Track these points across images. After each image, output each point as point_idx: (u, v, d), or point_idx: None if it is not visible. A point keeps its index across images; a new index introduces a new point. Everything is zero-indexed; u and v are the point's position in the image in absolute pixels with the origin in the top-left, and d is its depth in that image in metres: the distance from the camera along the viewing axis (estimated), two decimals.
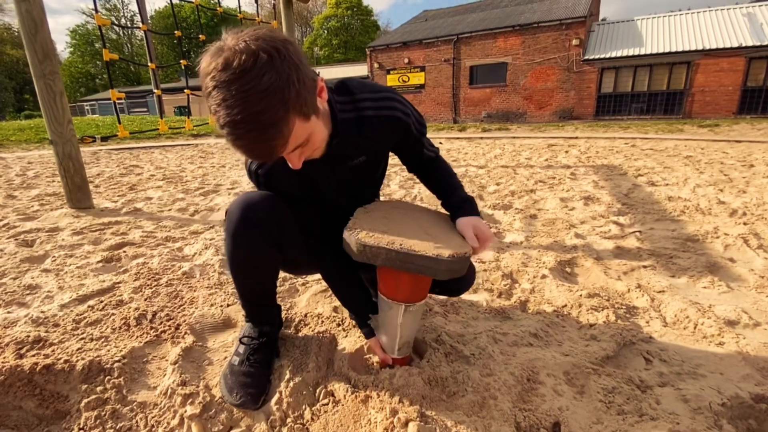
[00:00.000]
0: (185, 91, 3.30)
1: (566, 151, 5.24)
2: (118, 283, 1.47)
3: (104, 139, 2.87)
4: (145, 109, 28.32)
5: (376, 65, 18.35)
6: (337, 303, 1.27)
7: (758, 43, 12.30)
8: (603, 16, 19.41)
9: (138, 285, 1.44)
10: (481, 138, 7.49)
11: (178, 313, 1.24)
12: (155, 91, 3.21)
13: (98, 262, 1.68)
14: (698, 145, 5.31)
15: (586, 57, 14.46)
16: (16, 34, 40.30)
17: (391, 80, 18.16)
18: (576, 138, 6.74)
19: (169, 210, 2.64)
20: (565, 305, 1.28)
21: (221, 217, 2.44)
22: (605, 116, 14.56)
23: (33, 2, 2.29)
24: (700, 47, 13.05)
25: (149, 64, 3.06)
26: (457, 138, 7.71)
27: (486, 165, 4.39)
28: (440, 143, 7.10)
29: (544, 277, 1.48)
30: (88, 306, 1.28)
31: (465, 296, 1.35)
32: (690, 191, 2.86)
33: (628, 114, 14.32)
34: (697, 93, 13.26)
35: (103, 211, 2.64)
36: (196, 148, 7.13)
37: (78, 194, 2.63)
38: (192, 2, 3.23)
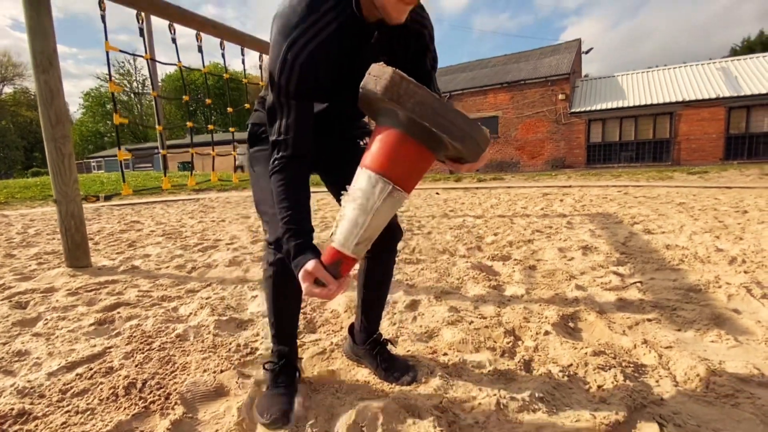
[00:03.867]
0: (190, 150, 3.43)
1: (561, 200, 5.33)
2: (110, 347, 1.43)
3: (108, 197, 2.94)
4: (150, 165, 29.10)
5: None
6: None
7: (735, 94, 13.00)
8: (585, 73, 20.71)
9: (130, 350, 1.40)
10: (477, 188, 7.65)
11: (170, 380, 1.19)
12: (161, 151, 3.33)
13: (91, 324, 1.64)
14: (690, 192, 5.43)
15: (572, 110, 15.19)
16: (32, 97, 42.55)
17: None
18: (569, 186, 6.89)
19: (167, 267, 2.63)
20: (571, 364, 1.24)
21: (218, 275, 2.42)
22: (596, 164, 14.99)
23: (52, 74, 2.45)
24: (680, 99, 13.77)
25: (157, 126, 3.23)
26: (454, 188, 7.88)
27: (483, 215, 4.45)
28: (437, 193, 7.24)
29: (547, 333, 1.44)
30: (77, 374, 1.23)
31: (468, 356, 1.31)
32: (687, 239, 2.88)
33: (618, 162, 14.76)
34: (683, 141, 13.78)
35: (100, 269, 2.62)
36: (198, 202, 7.24)
37: (77, 252, 2.63)
38: (200, 70, 3.46)
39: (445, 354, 1.33)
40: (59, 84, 2.50)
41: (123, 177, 2.80)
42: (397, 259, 2.57)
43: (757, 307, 1.65)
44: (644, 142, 14.45)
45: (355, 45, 0.88)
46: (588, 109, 15.03)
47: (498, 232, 3.41)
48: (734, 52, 35.92)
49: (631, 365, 1.23)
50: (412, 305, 1.76)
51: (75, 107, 46.43)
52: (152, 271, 2.54)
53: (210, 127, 3.40)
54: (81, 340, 1.50)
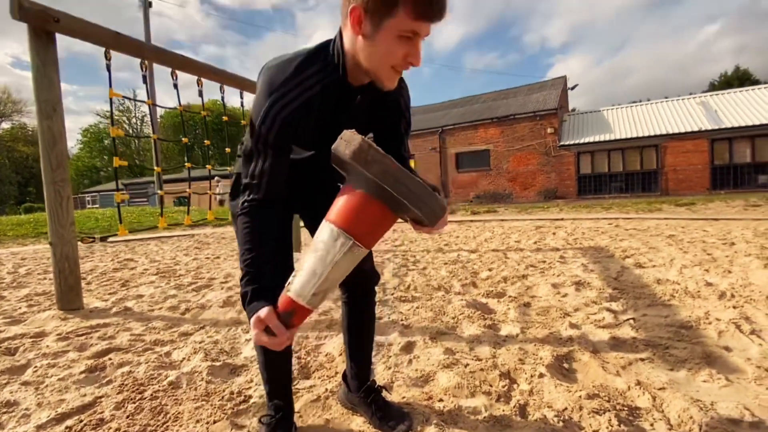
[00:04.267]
0: (188, 190, 3.49)
1: (554, 233, 5.40)
2: (100, 397, 1.41)
3: (103, 238, 2.95)
4: (146, 200, 29.13)
5: None
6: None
7: (716, 127, 13.52)
8: (572, 107, 21.51)
9: (121, 399, 1.38)
10: (471, 221, 7.73)
11: None
12: (159, 192, 3.38)
13: (81, 372, 1.62)
14: (678, 224, 5.54)
15: (562, 143, 15.65)
16: (30, 132, 43.05)
17: None
18: (562, 219, 6.99)
19: (160, 308, 2.60)
20: (566, 408, 1.24)
21: (212, 316, 2.41)
22: (587, 195, 15.27)
23: (55, 120, 2.53)
24: (664, 132, 14.29)
25: (155, 168, 3.30)
26: (448, 221, 7.97)
27: (477, 249, 4.48)
28: None
29: (542, 375, 1.44)
30: (66, 427, 1.21)
31: (463, 402, 1.31)
32: (677, 273, 2.92)
33: (609, 193, 15.06)
34: (669, 172, 14.16)
35: (92, 312, 2.59)
36: (193, 238, 7.23)
37: (69, 295, 2.61)
38: (201, 113, 3.58)
39: (441, 400, 1.32)
40: (62, 129, 2.57)
41: (120, 218, 2.83)
42: (392, 297, 2.58)
43: (746, 343, 1.67)
44: (633, 173, 14.82)
45: (337, 106, 0.92)
46: (576, 142, 15.50)
47: (492, 267, 3.44)
48: (713, 87, 37.69)
49: (626, 408, 1.23)
50: (408, 347, 1.76)
51: (72, 142, 46.95)
52: (145, 313, 2.52)
53: (208, 167, 3.48)
54: (71, 389, 1.48)
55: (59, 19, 2.43)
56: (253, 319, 0.81)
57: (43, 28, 2.44)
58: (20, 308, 2.72)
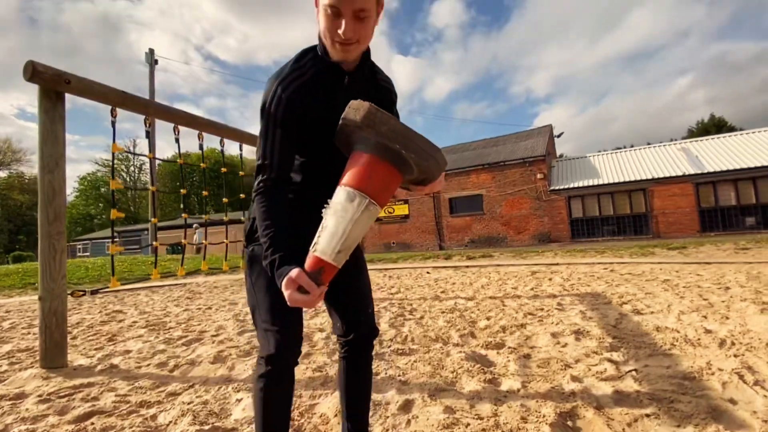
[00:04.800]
0: (182, 241, 3.49)
1: (550, 279, 5.39)
2: None
3: (94, 292, 2.89)
4: (138, 247, 28.79)
5: None
6: None
7: (699, 171, 14.00)
8: (560, 153, 22.32)
9: None
10: (467, 267, 7.71)
11: None
12: (154, 243, 3.38)
13: None
14: (672, 268, 5.56)
15: (552, 188, 16.03)
16: (26, 181, 43.31)
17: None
18: (557, 264, 7.01)
19: (148, 365, 2.51)
20: None
21: (202, 373, 2.32)
22: (581, 238, 15.39)
23: (57, 174, 2.58)
24: (650, 176, 14.73)
25: (152, 219, 3.32)
26: (444, 267, 7.93)
27: (474, 296, 4.44)
28: (428, 272, 7.25)
29: None
30: None
31: None
32: (676, 319, 2.90)
33: (602, 236, 15.21)
34: (659, 215, 14.43)
35: (76, 369, 2.48)
36: (184, 287, 7.09)
37: (53, 352, 2.51)
38: (200, 165, 3.68)
39: None
40: (63, 183, 2.62)
41: (113, 270, 2.80)
42: (389, 349, 2.52)
43: (751, 395, 1.63)
44: (623, 216, 15.08)
45: (330, 87, 1.04)
46: (566, 186, 15.90)
47: (490, 315, 3.39)
48: (691, 133, 39.50)
49: None
50: (406, 406, 1.70)
51: (69, 190, 47.18)
52: (132, 371, 2.42)
53: (205, 217, 3.50)
54: None
55: (70, 81, 2.56)
56: (285, 280, 0.87)
57: (54, 89, 2.57)
58: (1, 366, 2.61)
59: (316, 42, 1.05)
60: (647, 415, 1.52)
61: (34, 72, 2.42)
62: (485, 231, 17.23)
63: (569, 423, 1.51)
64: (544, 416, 1.55)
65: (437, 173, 0.96)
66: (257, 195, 0.99)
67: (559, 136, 21.60)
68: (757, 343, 2.24)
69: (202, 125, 3.52)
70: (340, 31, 0.93)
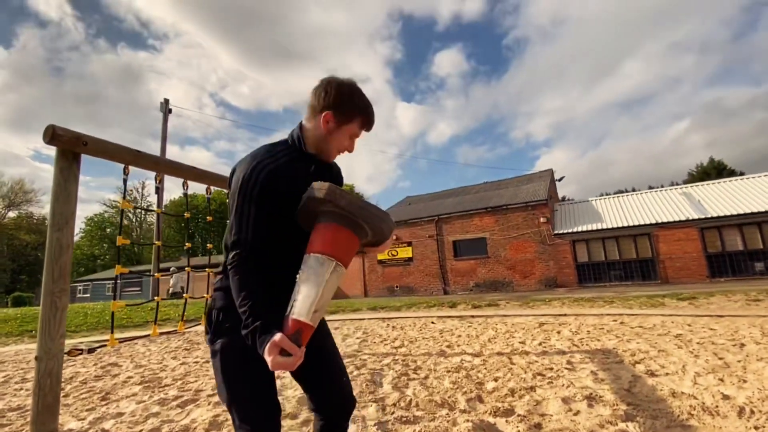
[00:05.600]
0: (185, 295, 3.47)
1: (558, 332, 5.24)
2: None
3: (91, 351, 2.83)
4: (138, 289, 28.49)
5: None
6: None
7: (703, 216, 13.99)
8: (562, 196, 22.51)
9: None
10: (473, 317, 7.54)
11: None
12: (156, 298, 3.36)
13: None
14: (684, 321, 5.41)
15: (556, 232, 16.00)
16: (35, 221, 43.85)
17: (381, 255, 19.32)
18: (565, 315, 6.84)
19: (140, 431, 2.40)
20: None
21: None
22: (588, 283, 15.12)
23: (65, 232, 2.62)
24: (653, 221, 14.72)
25: (156, 274, 3.29)
26: (450, 317, 7.75)
27: (481, 352, 4.30)
28: (432, 323, 7.08)
29: None
30: None
31: None
32: (692, 383, 2.78)
33: (609, 281, 14.94)
34: (666, 260, 14.24)
35: None
36: (183, 337, 6.94)
37: (45, 415, 2.41)
38: (207, 219, 3.73)
39: None
40: (71, 240, 2.65)
41: (112, 328, 2.76)
42: (392, 417, 2.41)
43: None
44: (630, 261, 14.89)
45: (300, 172, 1.16)
46: (570, 230, 15.87)
47: (498, 376, 3.27)
48: (692, 177, 39.92)
49: None
50: None
51: (75, 230, 47.54)
52: None
53: (208, 270, 3.50)
54: None
55: (87, 143, 2.68)
56: (268, 346, 0.92)
57: (71, 150, 2.67)
58: None
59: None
60: None
61: (54, 135, 2.53)
62: (490, 275, 16.99)
63: None
64: None
65: (388, 234, 1.13)
66: (232, 268, 1.03)
67: (560, 180, 21.92)
68: None
69: (210, 180, 3.62)
70: (350, 147, 1.24)
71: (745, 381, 2.73)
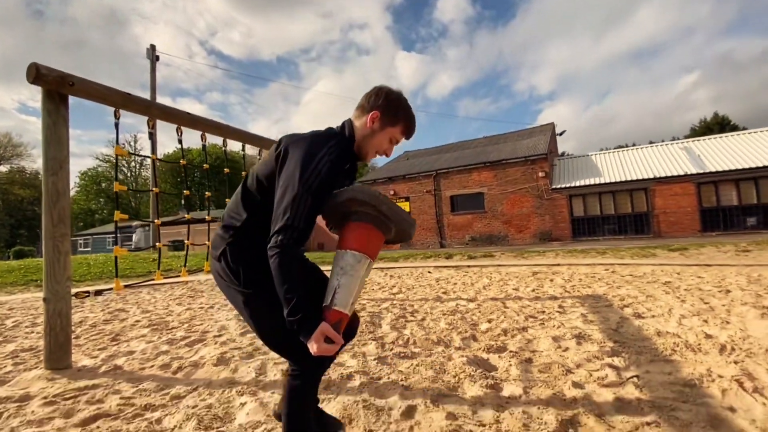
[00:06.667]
0: (186, 242, 3.49)
1: (551, 280, 5.40)
2: None
3: (98, 293, 2.90)
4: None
5: None
6: None
7: (701, 171, 13.96)
8: (562, 151, 22.28)
9: None
10: (468, 267, 7.73)
11: None
12: (158, 244, 3.39)
13: None
14: (673, 270, 5.57)
15: (553, 186, 16.00)
16: (27, 175, 43.33)
17: None
18: (558, 265, 7.01)
19: (152, 366, 2.52)
20: None
21: (205, 375, 2.33)
22: (582, 237, 15.38)
23: (61, 176, 2.59)
24: (651, 176, 14.69)
25: (156, 221, 3.29)
26: (446, 266, 7.94)
27: (476, 297, 4.45)
28: (429, 272, 7.27)
29: None
30: None
31: None
32: (677, 324, 2.91)
33: (603, 235, 15.19)
34: (660, 214, 14.41)
35: (80, 370, 2.50)
36: (186, 285, 7.12)
37: (58, 353, 2.53)
38: (204, 166, 3.68)
39: None
40: (66, 186, 2.63)
41: (116, 272, 2.81)
42: (391, 353, 2.53)
43: (750, 403, 1.65)
44: (624, 215, 15.06)
45: (342, 167, 1.26)
46: (568, 185, 15.87)
47: (492, 318, 3.41)
48: (694, 132, 39.34)
49: None
50: (408, 412, 1.71)
51: (70, 185, 47.11)
52: (136, 372, 2.44)
53: (207, 218, 3.51)
54: None
55: (74, 83, 2.56)
56: (315, 335, 1.04)
57: (58, 91, 2.57)
58: (5, 366, 2.63)
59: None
60: (648, 424, 1.53)
61: (37, 74, 2.42)
62: (486, 229, 17.22)
63: (571, 431, 1.53)
64: (545, 423, 1.56)
65: (410, 237, 1.29)
66: (279, 252, 1.06)
67: (561, 134, 21.55)
68: (756, 349, 2.26)
69: (204, 126, 3.53)
70: (388, 151, 1.33)
71: (728, 323, 2.86)
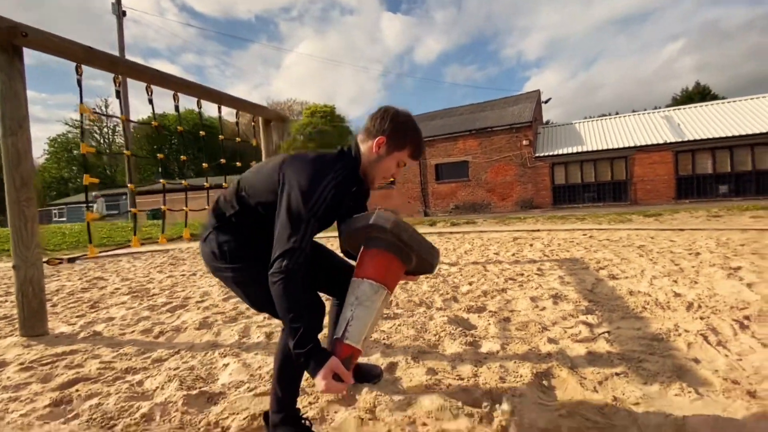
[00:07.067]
0: (163, 207, 3.37)
1: (531, 245, 5.53)
2: None
3: (72, 260, 2.82)
4: (116, 212, 28.04)
5: None
6: None
7: (680, 140, 14.23)
8: (547, 119, 22.27)
9: None
10: (451, 233, 7.82)
11: None
12: (131, 209, 3.27)
13: (46, 406, 1.53)
14: (648, 234, 5.76)
15: (537, 154, 16.10)
16: None
17: None
18: (538, 230, 7.16)
19: (132, 332, 2.50)
20: (546, 428, 1.25)
21: (187, 339, 2.33)
22: (563, 205, 15.70)
23: (20, 136, 2.42)
24: (632, 144, 14.91)
25: (129, 185, 3.14)
26: (429, 233, 8.02)
27: (457, 262, 4.53)
28: None
29: (522, 395, 1.46)
30: None
31: (446, 425, 1.31)
32: (648, 284, 3.03)
33: (582, 202, 15.54)
34: (638, 182, 14.76)
35: (57, 337, 2.46)
36: (167, 254, 7.01)
37: (32, 320, 2.47)
38: (178, 129, 3.51)
39: (425, 424, 1.32)
40: (28, 146, 2.47)
41: (90, 238, 2.71)
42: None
43: (713, 355, 1.74)
44: (604, 183, 15.37)
45: (348, 190, 1.23)
46: (551, 153, 15.99)
47: (472, 281, 3.48)
48: (675, 101, 39.73)
49: (604, 426, 1.26)
50: (390, 368, 1.75)
51: (39, 152, 44.84)
52: (116, 338, 2.41)
53: (184, 183, 3.39)
54: (34, 426, 1.39)
55: (27, 34, 2.35)
56: (324, 371, 0.96)
57: (10, 43, 2.36)
58: None
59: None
60: (617, 374, 1.61)
61: None
62: (470, 197, 17.37)
63: (545, 382, 1.59)
64: (521, 376, 1.62)
65: (433, 269, 1.21)
66: (284, 278, 1.02)
67: (546, 101, 21.45)
68: (721, 306, 2.37)
69: (175, 85, 3.33)
70: (395, 175, 1.30)
71: (696, 282, 2.99)
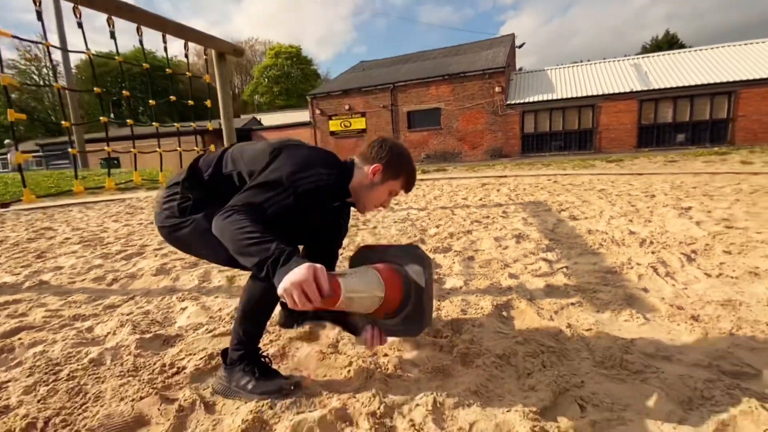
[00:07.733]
0: (106, 148, 3.06)
1: (498, 190, 5.60)
2: (6, 382, 1.25)
3: (5, 205, 2.55)
4: (68, 161, 26.08)
5: (318, 111, 18.78)
6: None
7: (645, 88, 14.45)
8: (520, 66, 21.87)
9: (32, 382, 1.23)
10: (421, 180, 7.80)
11: (78, 415, 1.06)
12: (71, 150, 2.96)
13: None
14: (609, 179, 5.97)
15: (508, 102, 15.98)
16: None
17: (334, 125, 18.63)
18: (505, 177, 7.26)
19: (83, 280, 2.36)
20: (503, 354, 1.29)
21: (143, 285, 2.22)
22: (530, 153, 15.95)
23: None
24: (600, 92, 15.02)
25: (63, 122, 2.75)
26: None
27: (426, 207, 4.54)
28: None
29: (481, 325, 1.49)
30: None
31: (407, 354, 1.32)
32: (606, 223, 3.15)
33: (549, 151, 15.82)
34: (603, 131, 15.08)
35: (0, 287, 2.29)
36: (123, 203, 6.62)
37: None
38: (115, 59, 3.11)
39: (386, 355, 1.33)
40: None
41: (23, 182, 2.44)
42: (341, 257, 2.53)
43: (661, 285, 1.84)
44: (571, 132, 15.61)
45: (329, 201, 1.27)
46: (522, 101, 15.90)
47: (440, 224, 3.50)
48: (645, 50, 39.88)
49: (556, 350, 1.31)
50: None
51: None
52: (64, 286, 2.27)
53: (129, 122, 3.07)
54: None
55: None
56: (305, 268, 0.87)
57: None
58: None
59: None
60: (572, 304, 1.67)
61: None
62: (441, 146, 17.26)
63: (504, 313, 1.64)
64: (481, 308, 1.66)
65: (416, 335, 1.33)
66: (234, 214, 0.99)
67: (520, 47, 20.93)
68: (671, 242, 2.50)
69: (110, 7, 2.89)
70: (385, 204, 1.32)
71: (650, 222, 3.13)
